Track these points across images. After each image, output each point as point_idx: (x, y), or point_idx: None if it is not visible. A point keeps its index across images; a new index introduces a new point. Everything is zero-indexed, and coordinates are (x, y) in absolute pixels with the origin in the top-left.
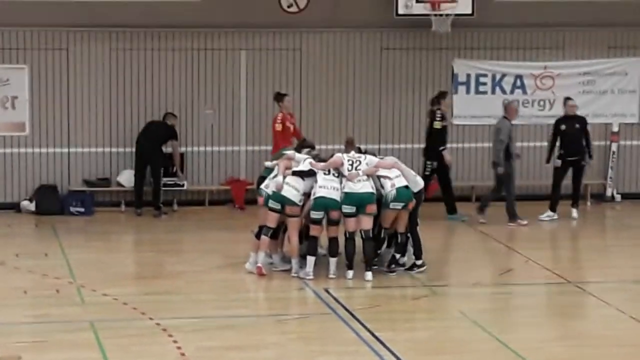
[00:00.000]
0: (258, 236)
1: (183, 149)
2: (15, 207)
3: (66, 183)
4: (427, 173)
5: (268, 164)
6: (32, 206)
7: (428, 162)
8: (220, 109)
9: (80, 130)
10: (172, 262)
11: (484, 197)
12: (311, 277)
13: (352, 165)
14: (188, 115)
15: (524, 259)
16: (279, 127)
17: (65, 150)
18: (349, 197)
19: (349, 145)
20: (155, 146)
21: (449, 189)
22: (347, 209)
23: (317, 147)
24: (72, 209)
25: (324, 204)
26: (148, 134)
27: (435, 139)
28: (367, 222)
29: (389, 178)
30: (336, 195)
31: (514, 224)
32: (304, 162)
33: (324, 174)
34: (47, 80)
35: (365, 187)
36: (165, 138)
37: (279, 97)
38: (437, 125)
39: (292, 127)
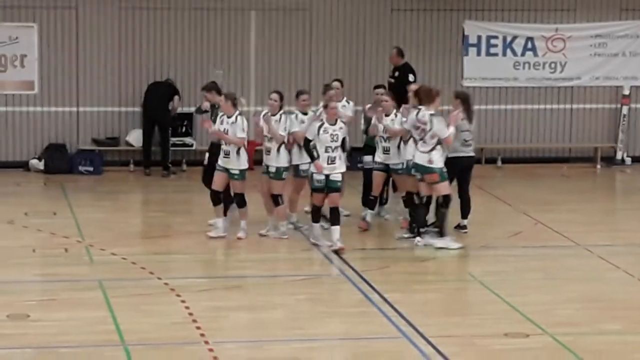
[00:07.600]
0: (275, 202)
1: (192, 109)
2: (24, 166)
3: (75, 142)
4: None
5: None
6: (41, 165)
7: None
8: (229, 70)
9: (89, 89)
10: (181, 222)
11: None
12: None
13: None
14: (198, 75)
15: (533, 221)
16: None
17: (74, 109)
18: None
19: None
20: (162, 106)
21: None
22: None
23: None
24: (80, 168)
25: None
26: (153, 95)
27: None
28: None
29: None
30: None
31: None
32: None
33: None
34: (57, 38)
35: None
36: (169, 95)
37: None
38: None
39: None
